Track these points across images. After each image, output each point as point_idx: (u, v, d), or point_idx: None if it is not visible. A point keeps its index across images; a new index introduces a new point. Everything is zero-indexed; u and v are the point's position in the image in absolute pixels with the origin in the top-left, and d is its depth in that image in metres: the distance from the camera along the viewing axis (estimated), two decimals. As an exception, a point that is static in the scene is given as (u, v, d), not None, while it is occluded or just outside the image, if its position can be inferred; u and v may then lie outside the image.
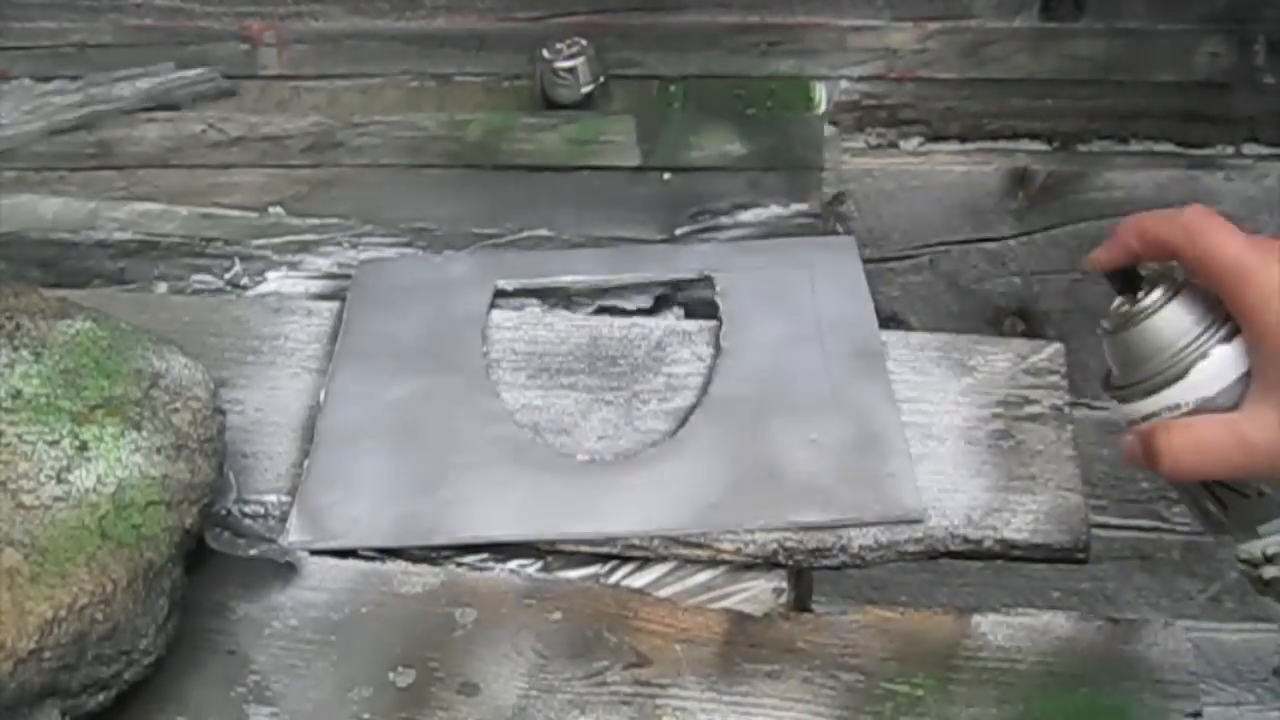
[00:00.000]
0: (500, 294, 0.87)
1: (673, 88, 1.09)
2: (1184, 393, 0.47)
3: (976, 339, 0.82)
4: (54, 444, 0.63)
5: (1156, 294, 0.48)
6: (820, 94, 1.07)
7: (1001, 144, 1.09)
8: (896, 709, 0.63)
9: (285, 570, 0.70)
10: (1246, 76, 1.04)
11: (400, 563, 0.72)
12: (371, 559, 0.72)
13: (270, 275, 0.92)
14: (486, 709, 0.64)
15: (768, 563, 0.71)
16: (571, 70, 1.03)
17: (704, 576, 0.71)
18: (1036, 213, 1.07)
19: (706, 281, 0.86)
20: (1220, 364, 0.47)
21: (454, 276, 0.88)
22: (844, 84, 1.08)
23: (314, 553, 0.72)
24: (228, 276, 0.92)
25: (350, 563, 0.71)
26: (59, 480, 0.61)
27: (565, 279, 0.87)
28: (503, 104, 1.08)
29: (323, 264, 0.92)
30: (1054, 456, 0.74)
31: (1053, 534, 0.71)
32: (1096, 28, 1.04)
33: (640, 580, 0.71)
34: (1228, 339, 0.47)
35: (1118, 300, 0.50)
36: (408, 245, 0.92)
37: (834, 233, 0.94)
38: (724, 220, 0.92)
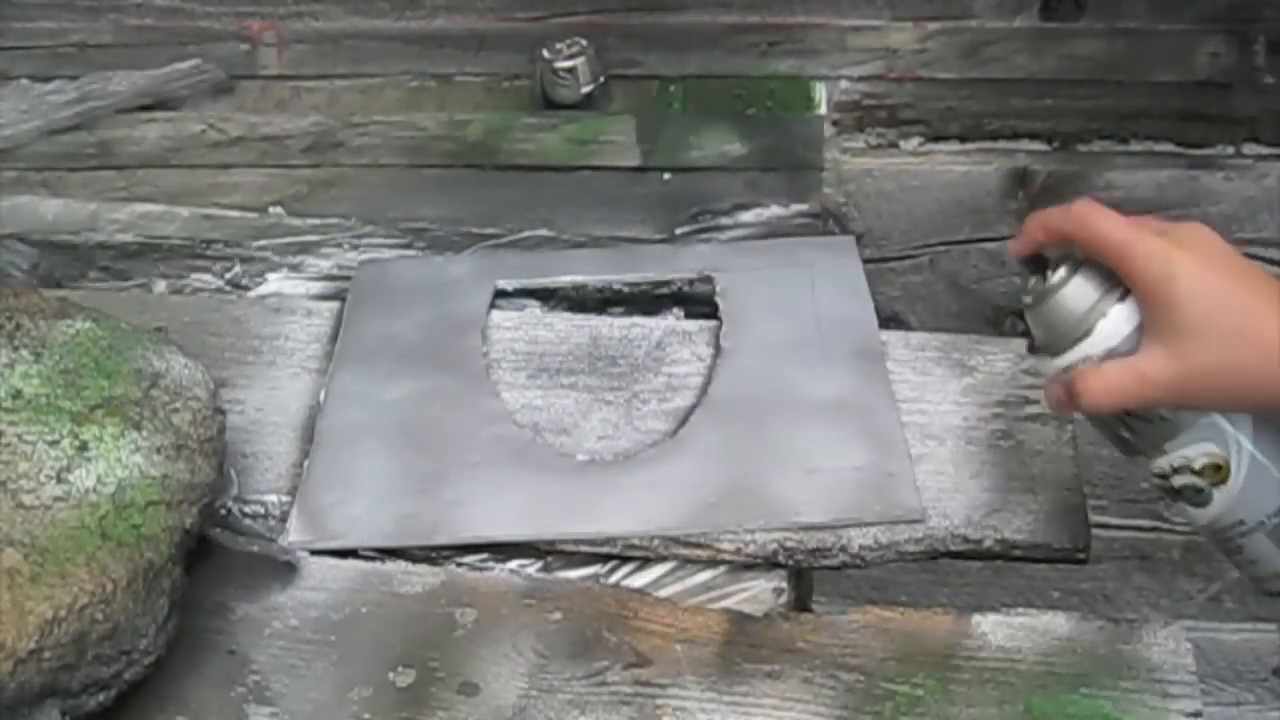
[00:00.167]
0: (500, 294, 0.87)
1: (673, 88, 1.09)
2: (1093, 346, 0.57)
3: (976, 339, 0.82)
4: (54, 444, 0.63)
5: (1062, 272, 0.58)
6: (820, 94, 1.07)
7: (1001, 144, 1.09)
8: (896, 709, 0.63)
9: (285, 570, 0.70)
10: (1246, 76, 1.04)
11: (400, 563, 0.72)
12: (371, 559, 0.72)
13: (270, 277, 0.92)
14: (486, 709, 0.64)
15: (768, 563, 0.71)
16: (571, 70, 1.03)
17: (704, 576, 0.71)
18: (1037, 213, 1.07)
19: (706, 281, 0.86)
20: (1118, 320, 0.57)
21: (454, 277, 0.88)
22: (844, 84, 1.08)
23: (314, 553, 0.72)
24: (228, 277, 0.92)
25: (350, 563, 0.71)
26: (59, 480, 0.61)
27: (565, 279, 0.87)
28: (503, 104, 1.08)
29: (323, 265, 0.92)
30: (1054, 456, 0.74)
31: (1053, 534, 0.71)
32: (1096, 28, 1.04)
33: (640, 580, 0.71)
34: (1122, 299, 0.57)
35: (1033, 280, 0.60)
36: (408, 247, 0.92)
37: (833, 233, 0.94)
38: (724, 220, 0.93)
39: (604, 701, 0.64)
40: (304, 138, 1.02)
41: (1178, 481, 0.59)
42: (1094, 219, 0.57)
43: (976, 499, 0.72)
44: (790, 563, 0.71)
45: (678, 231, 0.92)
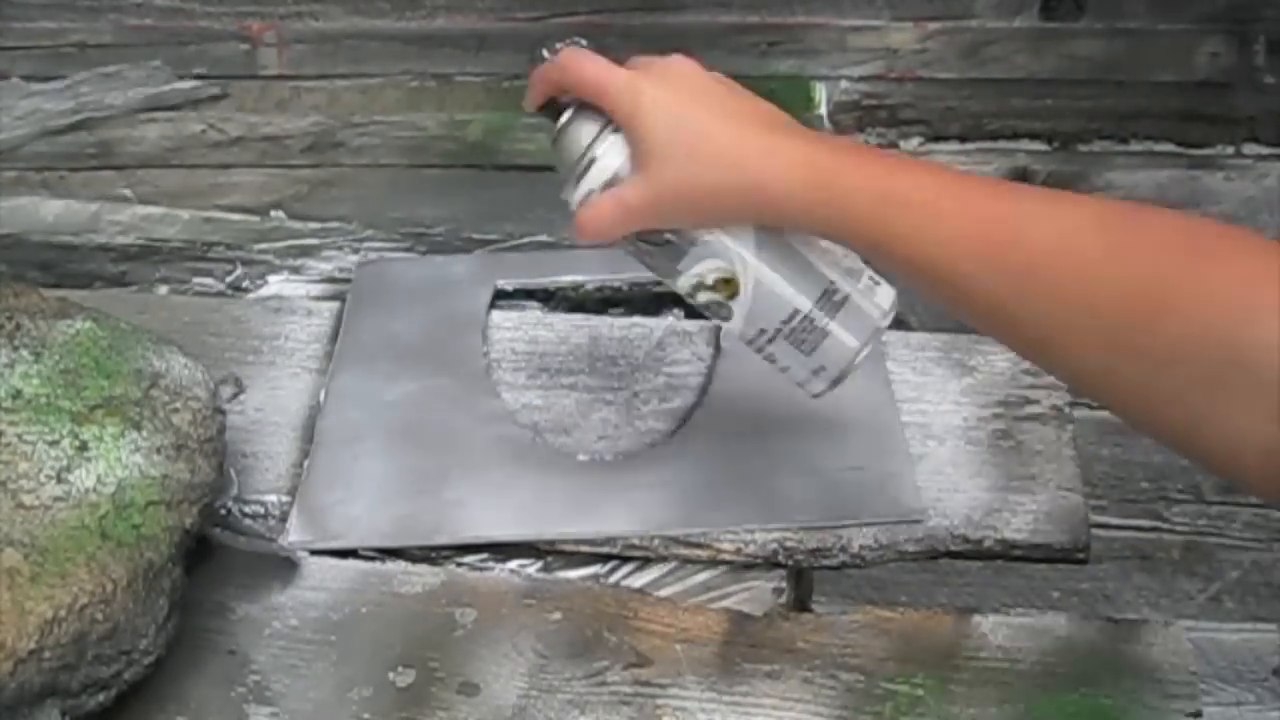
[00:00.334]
0: (500, 294, 0.87)
1: (673, 88, 1.08)
2: (593, 180, 0.61)
3: (976, 339, 0.82)
4: (54, 444, 0.63)
5: (566, 115, 0.62)
6: (820, 94, 1.07)
7: (1001, 144, 1.09)
8: (896, 709, 0.63)
9: (285, 570, 0.70)
10: (1246, 76, 1.04)
11: (400, 563, 0.72)
12: (371, 559, 0.72)
13: (271, 279, 0.92)
14: (486, 709, 0.64)
15: (768, 563, 0.71)
16: (571, 70, 1.03)
17: (704, 576, 0.71)
18: (1036, 213, 1.07)
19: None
20: (609, 154, 0.60)
21: (454, 277, 0.88)
22: (844, 84, 1.08)
23: (314, 553, 0.72)
24: (229, 280, 0.92)
25: (350, 563, 0.71)
26: (59, 480, 0.61)
27: (565, 279, 0.87)
28: (503, 104, 1.08)
29: (324, 268, 0.92)
30: (1054, 456, 0.74)
31: (1053, 534, 0.71)
32: (1096, 28, 1.04)
33: (640, 580, 0.71)
34: (613, 133, 0.61)
35: (553, 126, 0.64)
36: (408, 250, 0.92)
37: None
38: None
39: (604, 701, 0.64)
40: (304, 138, 1.02)
41: (700, 299, 0.63)
42: (575, 64, 0.62)
43: (976, 499, 0.72)
44: (790, 563, 0.71)
45: (678, 231, 0.92)
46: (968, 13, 1.06)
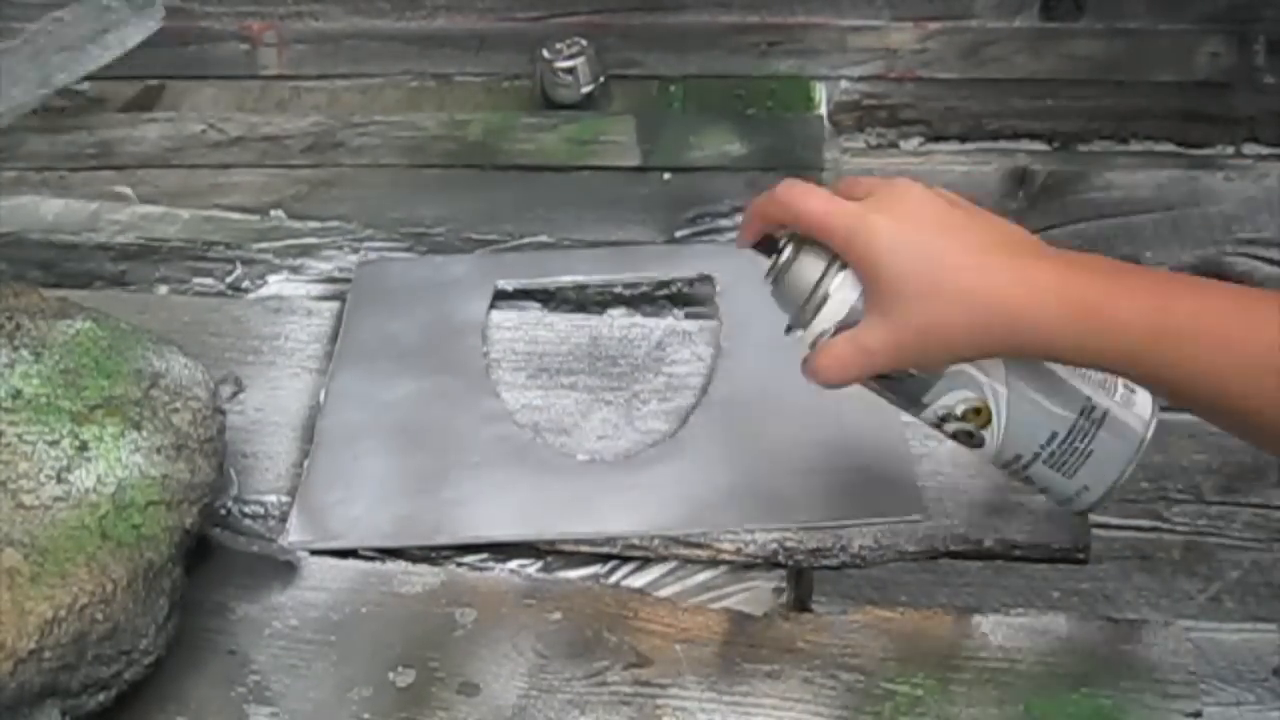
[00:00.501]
0: (500, 294, 0.87)
1: (673, 88, 1.09)
2: (824, 321, 0.58)
3: (976, 339, 0.82)
4: (54, 444, 0.63)
5: (787, 252, 0.59)
6: (820, 94, 1.07)
7: (1001, 144, 1.09)
8: (896, 709, 0.63)
9: (285, 570, 0.70)
10: (1246, 76, 1.04)
11: (400, 563, 0.72)
12: (371, 559, 0.72)
13: (271, 279, 0.92)
14: (486, 709, 0.64)
15: (768, 563, 0.71)
16: (571, 70, 1.03)
17: (704, 576, 0.71)
18: (1036, 213, 1.07)
19: (706, 281, 0.86)
20: (841, 294, 0.57)
21: (454, 277, 0.88)
22: (844, 84, 1.08)
23: (314, 553, 0.72)
24: (229, 281, 0.92)
25: (350, 563, 0.71)
26: (59, 480, 0.61)
27: (565, 279, 0.87)
28: (503, 104, 1.08)
29: (324, 268, 0.92)
30: (1054, 456, 0.74)
31: (1053, 534, 0.71)
32: (1096, 28, 1.04)
33: (640, 580, 0.71)
34: (841, 271, 0.58)
35: (767, 263, 0.60)
36: (408, 250, 0.92)
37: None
38: (724, 222, 0.92)
39: (604, 701, 0.64)
40: (304, 138, 1.02)
41: (948, 429, 0.60)
42: (795, 199, 0.58)
43: (976, 499, 0.72)
44: (790, 563, 0.71)
45: (678, 232, 0.92)
46: (968, 13, 1.06)
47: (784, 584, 0.70)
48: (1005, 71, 1.06)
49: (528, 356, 0.83)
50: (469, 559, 0.72)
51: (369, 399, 0.79)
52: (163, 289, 0.93)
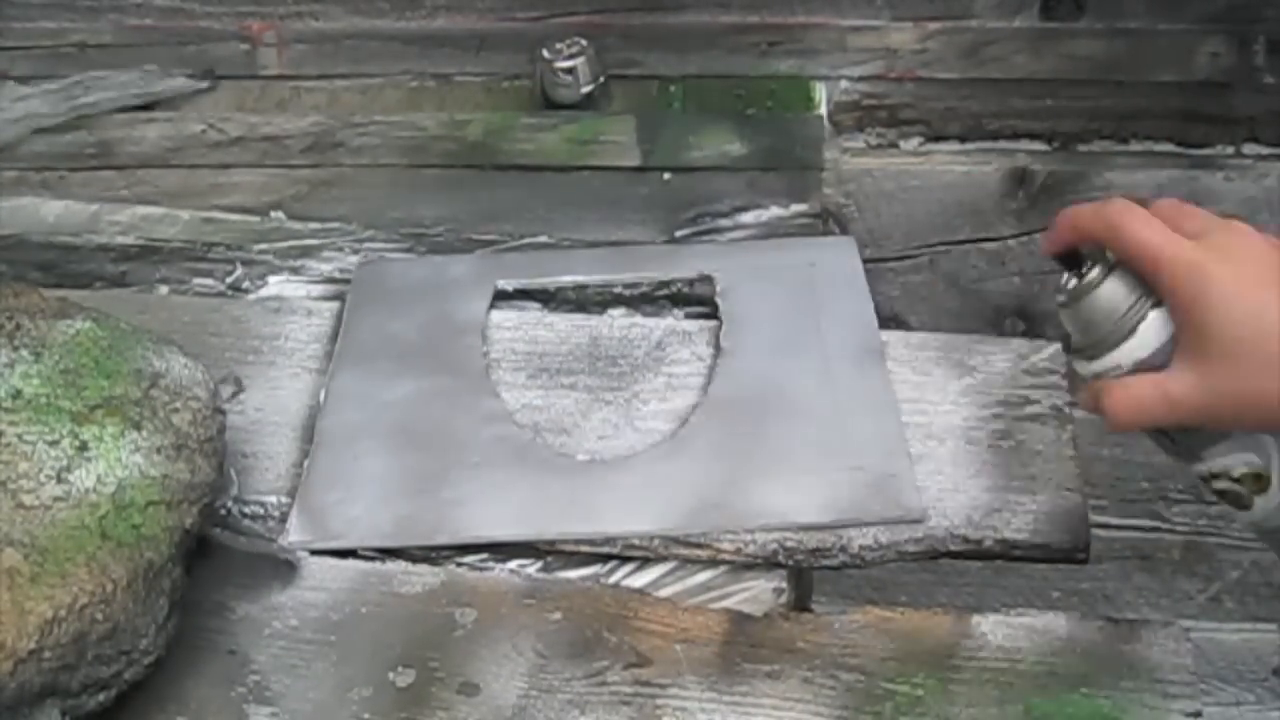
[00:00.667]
0: (500, 294, 0.87)
1: (673, 88, 1.09)
2: (1123, 355, 0.55)
3: (976, 339, 0.82)
4: (54, 444, 0.63)
5: (1095, 273, 0.55)
6: (820, 94, 1.07)
7: (1001, 144, 1.09)
8: (896, 709, 0.63)
9: (285, 570, 0.70)
10: (1246, 76, 1.04)
11: (400, 563, 0.72)
12: (371, 559, 0.72)
13: (271, 280, 0.92)
14: (486, 709, 0.64)
15: (768, 563, 0.71)
16: (571, 70, 1.03)
17: (704, 576, 0.71)
18: (1036, 213, 1.07)
19: (706, 281, 0.86)
20: (1149, 332, 0.54)
21: (454, 276, 0.88)
22: (844, 84, 1.08)
23: (314, 553, 0.72)
24: (229, 281, 0.92)
25: (350, 563, 0.71)
26: (59, 480, 0.61)
27: (565, 279, 0.87)
28: (503, 104, 1.08)
29: (324, 269, 0.92)
30: (1054, 456, 0.74)
31: (1053, 534, 0.71)
32: (1096, 28, 1.04)
33: (640, 580, 0.71)
34: (1156, 306, 0.54)
35: (1066, 276, 0.57)
36: (408, 250, 0.92)
37: (833, 233, 0.94)
38: (724, 221, 0.92)
39: (604, 701, 0.64)
40: (304, 138, 1.02)
41: (1218, 485, 0.57)
42: (1126, 225, 0.54)
43: (976, 499, 0.72)
44: (790, 563, 0.71)
45: (678, 232, 0.92)
46: (968, 13, 1.06)
47: (784, 584, 0.70)
48: (1005, 71, 1.06)
49: (528, 356, 0.83)
50: (469, 559, 0.72)
51: (369, 399, 0.79)
52: (163, 289, 0.93)
